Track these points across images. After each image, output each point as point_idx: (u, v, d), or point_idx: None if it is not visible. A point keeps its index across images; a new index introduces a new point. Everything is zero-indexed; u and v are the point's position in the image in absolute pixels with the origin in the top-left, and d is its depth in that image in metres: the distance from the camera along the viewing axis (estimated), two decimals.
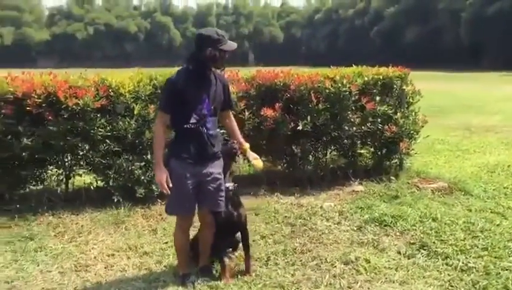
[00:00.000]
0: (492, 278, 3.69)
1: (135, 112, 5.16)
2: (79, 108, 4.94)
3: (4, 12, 78.05)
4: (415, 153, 6.63)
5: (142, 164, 5.21)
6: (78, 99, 4.92)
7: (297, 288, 3.61)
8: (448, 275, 3.79)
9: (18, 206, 5.03)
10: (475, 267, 3.87)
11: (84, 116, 5.00)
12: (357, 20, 73.53)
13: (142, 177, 5.18)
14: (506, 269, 3.82)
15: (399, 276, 3.78)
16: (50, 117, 4.91)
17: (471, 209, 5.23)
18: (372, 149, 6.37)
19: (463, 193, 5.76)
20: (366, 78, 6.03)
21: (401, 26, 63.44)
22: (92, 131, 5.02)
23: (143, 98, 5.27)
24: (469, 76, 34.50)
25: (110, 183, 5.23)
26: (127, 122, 5.12)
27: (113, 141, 5.13)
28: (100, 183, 5.37)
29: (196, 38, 3.41)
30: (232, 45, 3.43)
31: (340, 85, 5.75)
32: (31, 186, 5.36)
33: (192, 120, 3.38)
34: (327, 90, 5.74)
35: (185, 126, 3.39)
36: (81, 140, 5.05)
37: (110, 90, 5.13)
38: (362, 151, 6.29)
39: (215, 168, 3.53)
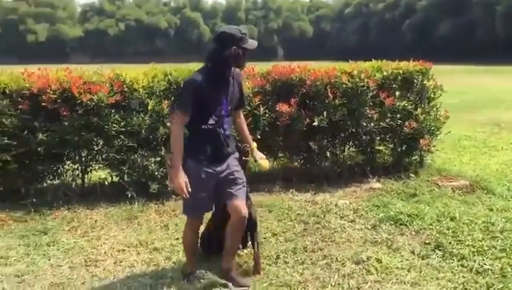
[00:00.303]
0: (509, 281, 3.55)
1: (149, 108, 5.17)
2: (93, 104, 4.97)
3: (39, 9, 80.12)
4: (437, 150, 6.45)
5: (157, 159, 5.21)
6: (92, 95, 4.95)
7: (304, 287, 3.55)
8: (463, 277, 3.67)
9: (34, 200, 5.08)
10: (491, 270, 3.74)
11: (98, 112, 5.04)
12: (388, 14, 72.39)
13: (156, 173, 5.18)
14: None
15: (411, 277, 3.68)
16: (65, 113, 4.95)
17: (492, 209, 5.04)
18: (391, 146, 6.21)
19: (485, 191, 5.56)
20: (385, 73, 5.88)
21: (434, 20, 62.13)
22: (106, 126, 5.05)
23: (157, 93, 5.28)
24: (504, 70, 33.42)
25: (125, 179, 5.26)
26: (141, 118, 5.13)
27: (127, 136, 5.15)
28: (115, 179, 5.40)
29: (218, 36, 3.30)
30: (253, 43, 3.34)
31: (357, 80, 5.63)
32: (48, 181, 5.42)
33: (211, 121, 3.32)
34: (344, 86, 5.62)
35: (203, 127, 3.32)
36: (96, 135, 5.09)
37: (124, 86, 5.15)
38: (381, 147, 6.14)
39: (231, 161, 3.47)
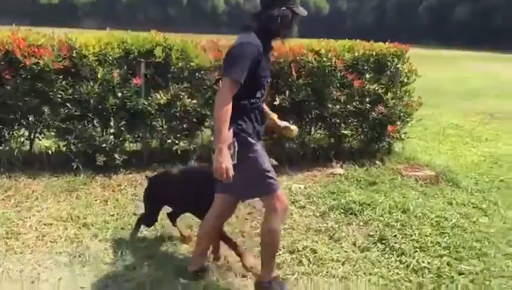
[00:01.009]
0: (442, 282, 3.33)
1: (99, 76, 4.91)
2: (39, 68, 4.73)
3: None
4: (408, 137, 6.15)
5: (106, 130, 5.00)
6: (37, 59, 4.71)
7: (223, 275, 3.34)
8: (397, 273, 3.45)
9: None
10: (428, 268, 3.50)
11: (44, 77, 4.79)
12: None
13: (104, 145, 4.96)
14: (462, 274, 3.44)
15: (343, 270, 3.46)
16: (8, 76, 4.72)
17: (451, 203, 4.78)
18: (359, 130, 5.92)
19: (450, 183, 5.28)
20: (356, 54, 5.57)
21: (451, 3, 60.74)
22: (51, 93, 4.82)
23: (110, 61, 5.02)
24: None
25: (72, 149, 5.05)
26: (90, 86, 4.89)
27: (75, 104, 4.92)
28: (62, 149, 5.19)
29: None
30: (303, 11, 2.91)
31: (325, 59, 5.32)
32: None
33: (258, 95, 2.87)
34: (310, 64, 5.32)
35: (252, 100, 2.85)
36: (41, 102, 4.86)
37: (73, 51, 4.89)
38: (347, 132, 5.80)
39: None
